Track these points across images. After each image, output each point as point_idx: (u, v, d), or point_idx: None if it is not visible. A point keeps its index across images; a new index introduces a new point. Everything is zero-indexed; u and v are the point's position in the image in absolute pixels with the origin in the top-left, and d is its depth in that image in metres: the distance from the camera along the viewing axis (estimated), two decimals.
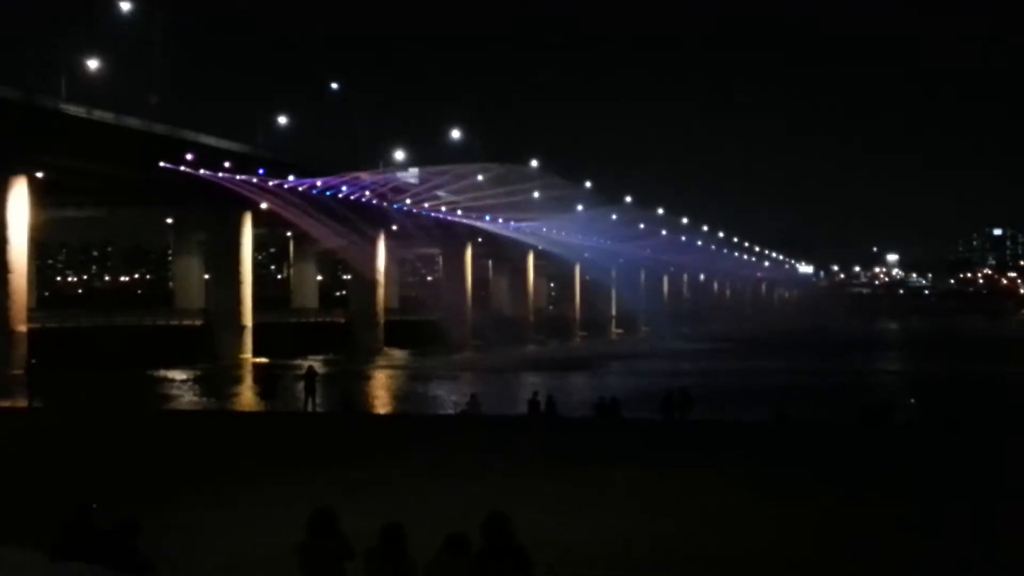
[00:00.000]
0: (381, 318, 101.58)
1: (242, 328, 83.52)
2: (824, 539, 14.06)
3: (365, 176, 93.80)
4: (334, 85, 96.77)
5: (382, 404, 54.91)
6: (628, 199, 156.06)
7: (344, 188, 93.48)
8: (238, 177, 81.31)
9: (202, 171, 77.72)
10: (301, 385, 42.20)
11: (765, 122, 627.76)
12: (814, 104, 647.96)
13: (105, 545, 12.17)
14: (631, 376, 65.34)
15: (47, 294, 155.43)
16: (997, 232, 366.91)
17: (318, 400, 41.95)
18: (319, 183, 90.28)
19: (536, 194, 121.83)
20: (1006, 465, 20.73)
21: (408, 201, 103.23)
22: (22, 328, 65.95)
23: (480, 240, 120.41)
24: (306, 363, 52.70)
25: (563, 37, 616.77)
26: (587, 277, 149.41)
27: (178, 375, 67.51)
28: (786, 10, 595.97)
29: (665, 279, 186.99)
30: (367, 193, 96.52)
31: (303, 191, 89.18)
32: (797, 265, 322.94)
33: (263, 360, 77.16)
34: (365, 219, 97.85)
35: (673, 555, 13.23)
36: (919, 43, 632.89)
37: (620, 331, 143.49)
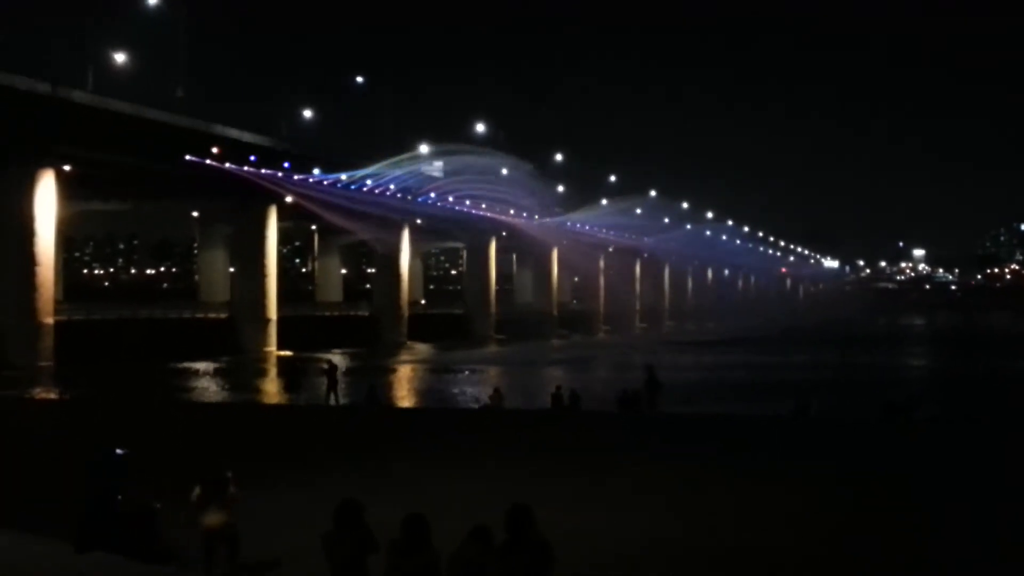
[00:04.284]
0: (405, 312, 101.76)
1: (267, 321, 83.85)
2: (840, 536, 13.99)
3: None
4: (359, 78, 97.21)
5: (406, 398, 55.01)
6: (653, 193, 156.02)
7: (369, 182, 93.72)
8: (263, 171, 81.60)
9: (227, 164, 78.06)
10: (324, 380, 42.50)
11: (793, 117, 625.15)
12: (842, 98, 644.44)
13: (127, 532, 12.26)
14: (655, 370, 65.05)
15: (75, 287, 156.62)
16: None
17: (341, 394, 42.15)
18: (344, 176, 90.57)
19: (560, 188, 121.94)
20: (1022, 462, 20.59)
21: (433, 195, 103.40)
22: (49, 320, 66.46)
23: (504, 234, 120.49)
24: (329, 357, 52.86)
25: (584, 27, 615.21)
26: (611, 271, 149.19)
27: (203, 367, 67.84)
28: (816, 2, 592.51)
29: (689, 273, 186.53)
30: (391, 187, 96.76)
31: (328, 184, 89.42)
32: (822, 260, 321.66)
33: (287, 353, 77.47)
34: (390, 212, 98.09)
35: (691, 550, 13.22)
36: (948, 38, 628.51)
37: (644, 325, 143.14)
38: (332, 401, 40.10)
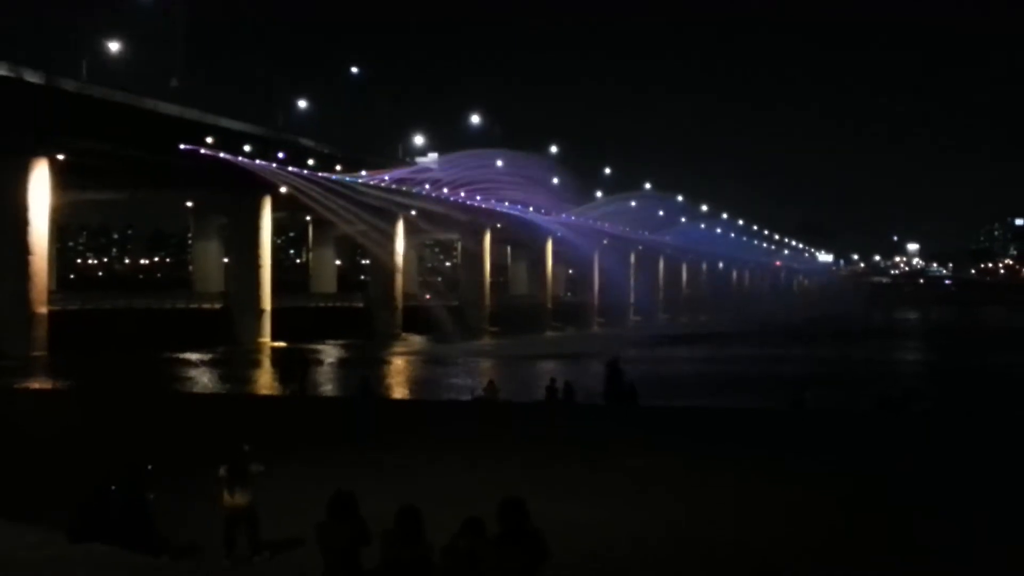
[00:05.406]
0: (399, 303, 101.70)
1: (261, 312, 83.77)
2: (838, 528, 13.99)
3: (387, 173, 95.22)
4: (354, 69, 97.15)
5: (399, 389, 55.00)
6: (647, 186, 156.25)
7: (363, 173, 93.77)
8: (258, 161, 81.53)
9: (222, 154, 77.97)
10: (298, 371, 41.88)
11: (787, 111, 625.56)
12: (835, 91, 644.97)
13: (121, 524, 12.23)
14: (649, 363, 65.21)
15: (71, 277, 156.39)
16: (1019, 222, 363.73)
17: (311, 386, 41.81)
18: (338, 167, 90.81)
19: (555, 180, 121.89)
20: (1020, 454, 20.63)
21: (427, 186, 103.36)
22: (43, 310, 66.39)
23: (499, 226, 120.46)
24: (299, 348, 52.73)
25: (581, 21, 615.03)
26: (605, 264, 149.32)
27: (197, 358, 67.79)
28: None
29: (684, 266, 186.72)
30: (386, 178, 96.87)
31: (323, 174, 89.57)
32: (817, 254, 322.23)
33: (281, 344, 77.46)
34: (384, 204, 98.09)
35: (688, 540, 13.22)
36: (944, 34, 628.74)
37: (638, 318, 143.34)
38: (299, 391, 38.96)
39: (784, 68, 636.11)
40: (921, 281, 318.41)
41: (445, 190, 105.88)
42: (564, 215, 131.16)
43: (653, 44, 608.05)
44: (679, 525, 14.00)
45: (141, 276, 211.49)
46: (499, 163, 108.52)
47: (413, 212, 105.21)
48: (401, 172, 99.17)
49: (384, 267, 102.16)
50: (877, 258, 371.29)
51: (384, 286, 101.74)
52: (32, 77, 63.90)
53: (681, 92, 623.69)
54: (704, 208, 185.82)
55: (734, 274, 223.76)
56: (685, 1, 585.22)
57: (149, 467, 12.92)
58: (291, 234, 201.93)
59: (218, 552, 12.04)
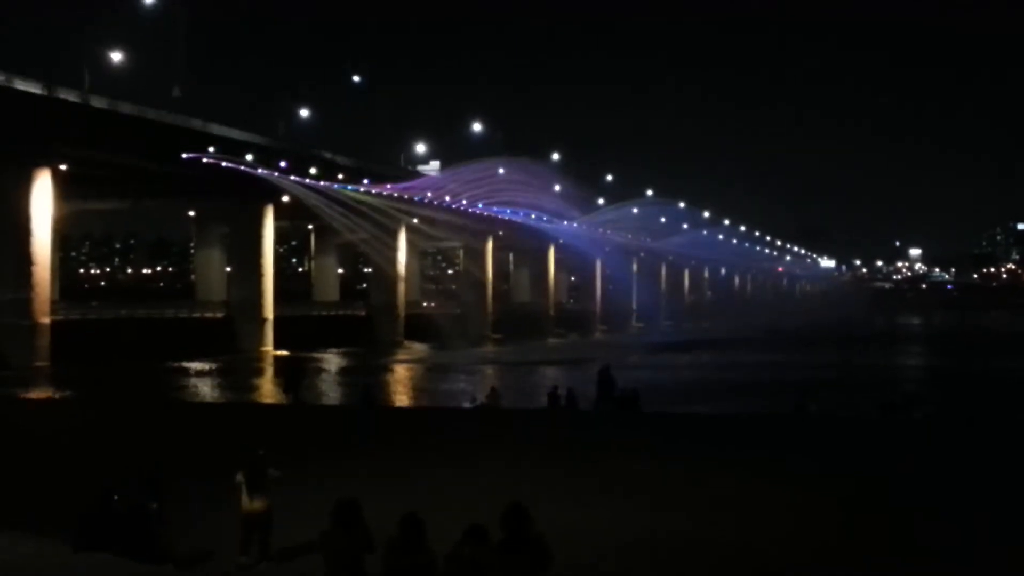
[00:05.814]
0: (401, 311, 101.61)
1: (263, 321, 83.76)
2: (841, 531, 14.02)
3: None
4: (356, 77, 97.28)
5: (402, 397, 54.98)
6: (649, 192, 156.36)
7: (365, 181, 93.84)
8: (260, 170, 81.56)
9: (224, 163, 78.02)
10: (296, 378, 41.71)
11: (788, 114, 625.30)
12: (835, 91, 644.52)
13: (125, 533, 12.27)
14: (652, 370, 65.22)
15: (80, 286, 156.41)
16: (1021, 226, 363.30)
17: (306, 394, 41.76)
18: (340, 176, 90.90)
19: (557, 187, 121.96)
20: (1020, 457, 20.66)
21: (429, 194, 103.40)
22: (45, 320, 66.39)
23: (501, 233, 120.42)
24: (295, 355, 52.63)
25: (581, 21, 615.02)
26: (608, 271, 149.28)
27: (200, 367, 67.78)
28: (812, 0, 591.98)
29: (687, 272, 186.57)
30: (387, 186, 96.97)
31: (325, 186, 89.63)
32: (819, 259, 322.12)
33: (284, 353, 77.45)
34: (385, 212, 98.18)
35: (690, 544, 13.25)
36: (946, 36, 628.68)
37: (641, 325, 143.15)
38: (294, 400, 38.49)
39: (784, 68, 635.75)
40: (923, 286, 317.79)
41: (447, 198, 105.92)
42: (567, 222, 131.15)
43: (653, 44, 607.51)
44: (681, 527, 14.03)
45: (159, 284, 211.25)
46: (501, 171, 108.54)
47: (415, 220, 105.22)
48: (404, 185, 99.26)
49: (386, 275, 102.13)
50: (879, 263, 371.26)
51: (386, 294, 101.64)
52: (34, 87, 63.99)
53: (681, 92, 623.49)
54: (706, 214, 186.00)
55: (736, 280, 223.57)
56: (685, 1, 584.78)
57: (161, 475, 12.99)
58: (293, 243, 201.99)
59: (230, 556, 12.12)
